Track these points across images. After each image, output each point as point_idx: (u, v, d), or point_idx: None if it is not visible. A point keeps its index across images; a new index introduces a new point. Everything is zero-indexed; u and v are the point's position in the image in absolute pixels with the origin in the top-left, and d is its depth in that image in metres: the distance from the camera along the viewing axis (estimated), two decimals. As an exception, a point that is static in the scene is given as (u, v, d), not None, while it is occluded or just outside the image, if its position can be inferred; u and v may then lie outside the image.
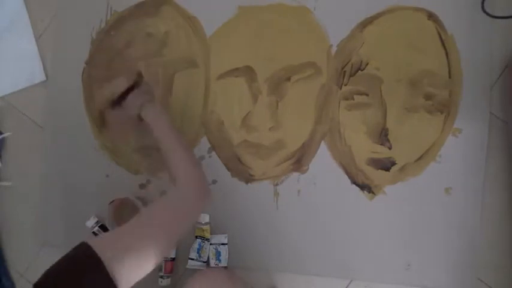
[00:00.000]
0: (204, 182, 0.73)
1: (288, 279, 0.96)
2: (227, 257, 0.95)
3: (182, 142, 0.77)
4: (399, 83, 0.93)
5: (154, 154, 0.99)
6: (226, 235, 0.96)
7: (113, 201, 0.95)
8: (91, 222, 0.97)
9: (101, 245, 0.55)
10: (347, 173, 0.94)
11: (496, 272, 0.91)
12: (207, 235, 0.95)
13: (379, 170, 0.93)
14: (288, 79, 0.96)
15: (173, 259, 0.96)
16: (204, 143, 0.98)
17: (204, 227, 0.95)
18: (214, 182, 0.97)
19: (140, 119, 0.82)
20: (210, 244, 0.96)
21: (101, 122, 0.97)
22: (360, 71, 0.94)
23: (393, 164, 0.93)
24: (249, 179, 0.97)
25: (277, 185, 0.96)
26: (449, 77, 0.92)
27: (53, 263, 0.55)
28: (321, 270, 0.94)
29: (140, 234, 0.60)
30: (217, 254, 0.95)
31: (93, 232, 0.97)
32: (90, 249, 0.54)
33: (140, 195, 0.98)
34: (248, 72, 0.96)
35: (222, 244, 0.95)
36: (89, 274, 0.52)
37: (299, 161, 0.95)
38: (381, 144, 0.93)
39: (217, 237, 0.96)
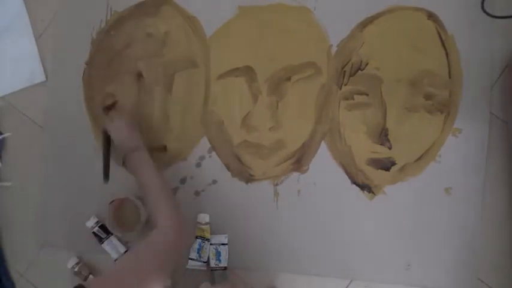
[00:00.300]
0: (182, 223, 0.78)
1: (288, 279, 0.96)
2: (227, 257, 0.95)
3: (163, 188, 0.82)
4: (399, 83, 0.93)
5: (154, 154, 0.99)
6: (226, 235, 0.96)
7: (113, 201, 0.94)
8: (91, 222, 0.97)
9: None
10: (347, 173, 0.94)
11: (496, 272, 0.91)
12: (207, 235, 0.95)
13: (379, 170, 0.93)
14: (288, 79, 0.96)
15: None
16: (204, 143, 0.98)
17: (204, 227, 0.95)
18: (214, 182, 0.97)
19: (125, 165, 0.87)
20: (210, 244, 0.96)
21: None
22: (360, 71, 0.94)
23: (393, 164, 0.93)
24: (249, 179, 0.97)
25: (277, 185, 0.96)
26: (449, 77, 0.92)
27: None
28: (321, 270, 0.94)
29: (133, 279, 0.64)
30: (217, 254, 0.95)
31: (93, 232, 0.97)
32: None
33: (140, 195, 0.98)
34: (248, 72, 0.96)
35: (222, 244, 0.95)
36: None
37: (299, 161, 0.95)
38: (381, 144, 0.93)
39: (217, 237, 0.96)
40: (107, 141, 0.92)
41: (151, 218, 0.80)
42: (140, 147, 0.86)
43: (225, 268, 0.95)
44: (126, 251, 0.98)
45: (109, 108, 0.97)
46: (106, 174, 0.91)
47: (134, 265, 0.67)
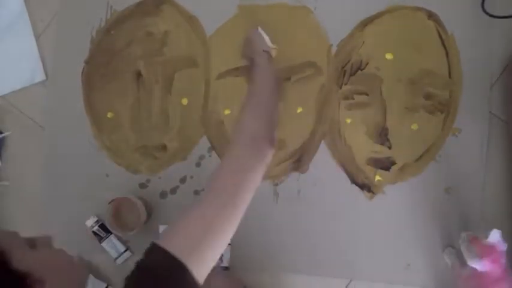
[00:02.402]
0: (265, 137, 0.67)
1: (288, 279, 0.96)
2: (229, 257, 0.95)
3: (272, 101, 0.74)
4: (399, 83, 0.93)
5: (154, 153, 0.99)
6: (229, 235, 0.96)
7: (112, 200, 0.94)
8: (91, 222, 0.97)
9: (178, 247, 0.50)
10: (347, 172, 0.94)
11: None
12: None
13: (379, 170, 0.93)
14: (288, 79, 0.96)
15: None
16: (204, 143, 0.98)
17: None
18: (214, 181, 0.97)
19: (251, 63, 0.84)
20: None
21: None
22: (360, 71, 0.94)
23: (393, 163, 0.93)
24: (249, 178, 0.96)
25: (277, 184, 0.96)
26: (449, 76, 0.92)
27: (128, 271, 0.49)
28: (321, 270, 0.94)
29: (208, 221, 0.56)
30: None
31: (93, 231, 0.97)
32: (169, 254, 0.49)
33: (140, 195, 0.98)
34: (248, 71, 0.96)
35: (225, 244, 0.95)
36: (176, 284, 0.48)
37: (299, 160, 0.95)
38: (381, 144, 0.93)
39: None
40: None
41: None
42: (266, 62, 0.83)
43: (227, 268, 0.95)
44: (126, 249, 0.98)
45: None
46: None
47: (206, 215, 0.57)
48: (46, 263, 0.46)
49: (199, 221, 0.56)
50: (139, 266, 0.49)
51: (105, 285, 0.97)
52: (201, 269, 0.51)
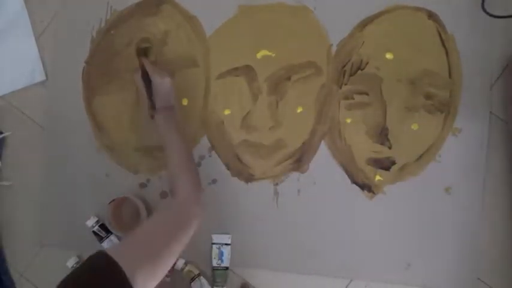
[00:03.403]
0: (201, 195, 0.77)
1: (288, 278, 0.96)
2: (229, 257, 0.95)
3: (187, 155, 0.81)
4: (399, 83, 0.93)
5: (154, 153, 0.99)
6: (229, 235, 0.96)
7: (112, 200, 0.94)
8: (91, 222, 0.97)
9: (119, 254, 0.54)
10: (347, 172, 0.94)
11: (496, 272, 0.91)
12: None
13: (379, 170, 0.93)
14: (288, 78, 0.96)
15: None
16: (204, 143, 0.98)
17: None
18: (214, 181, 0.97)
19: (152, 116, 0.86)
20: (213, 244, 0.95)
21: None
22: (360, 71, 0.94)
23: (393, 163, 0.93)
24: (249, 178, 0.97)
25: (277, 184, 0.96)
26: (449, 76, 0.92)
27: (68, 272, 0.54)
28: (321, 270, 0.94)
29: (152, 243, 0.61)
30: (220, 254, 0.95)
31: (93, 232, 0.97)
32: (110, 258, 0.53)
33: (140, 195, 0.98)
34: (248, 71, 0.96)
35: (226, 244, 0.95)
36: (111, 285, 0.51)
37: (299, 160, 0.95)
38: (381, 144, 0.93)
39: (220, 237, 0.96)
40: (148, 81, 0.88)
41: (170, 187, 0.79)
42: (174, 109, 0.87)
43: (227, 268, 0.95)
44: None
45: (143, 51, 0.98)
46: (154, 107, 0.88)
47: (156, 228, 0.66)
48: None
49: (147, 240, 0.62)
50: (80, 266, 0.54)
51: None
52: (141, 282, 0.54)
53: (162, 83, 0.85)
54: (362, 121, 0.94)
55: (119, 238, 0.98)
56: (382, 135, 0.93)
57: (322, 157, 0.95)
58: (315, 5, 0.96)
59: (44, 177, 1.03)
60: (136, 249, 0.59)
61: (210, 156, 0.98)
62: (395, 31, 0.94)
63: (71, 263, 0.98)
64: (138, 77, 0.89)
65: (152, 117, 0.86)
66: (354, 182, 0.94)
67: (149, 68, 0.87)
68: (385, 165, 0.93)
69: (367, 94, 0.94)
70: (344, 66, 0.95)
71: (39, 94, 1.04)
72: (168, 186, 0.81)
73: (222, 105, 0.98)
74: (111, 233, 0.98)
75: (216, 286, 0.95)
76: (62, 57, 1.03)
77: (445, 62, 0.93)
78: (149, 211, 0.97)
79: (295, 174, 0.96)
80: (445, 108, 0.92)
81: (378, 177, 0.93)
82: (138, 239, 0.62)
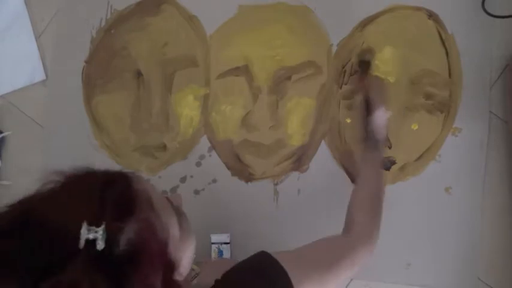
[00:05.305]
0: (373, 239, 0.71)
1: (288, 278, 0.95)
2: (229, 256, 0.95)
3: (380, 198, 0.77)
4: (399, 83, 0.93)
5: (154, 153, 0.99)
6: (228, 234, 0.96)
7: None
8: (91, 222, 0.97)
9: (284, 258, 0.55)
10: (347, 172, 0.94)
11: (496, 272, 0.91)
12: None
13: (379, 170, 0.93)
14: (288, 78, 0.96)
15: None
16: (204, 143, 0.98)
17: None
18: (214, 181, 0.97)
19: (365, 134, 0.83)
20: (212, 243, 0.96)
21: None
22: (360, 71, 0.94)
23: (393, 163, 0.93)
24: (249, 178, 0.97)
25: (277, 184, 0.96)
26: (449, 76, 0.92)
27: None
28: (321, 270, 0.94)
29: (320, 262, 0.60)
30: (220, 253, 0.95)
31: (93, 231, 0.97)
32: (274, 260, 0.54)
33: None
34: (248, 71, 0.96)
35: (225, 243, 0.95)
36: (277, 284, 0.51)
37: (299, 160, 0.95)
38: (381, 144, 0.93)
39: (219, 237, 0.96)
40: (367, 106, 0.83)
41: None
42: (382, 145, 0.83)
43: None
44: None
45: (366, 65, 0.90)
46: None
47: (328, 247, 0.65)
48: None
49: (313, 255, 0.62)
50: (244, 263, 0.54)
51: None
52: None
53: (384, 115, 0.83)
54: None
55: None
56: (382, 135, 0.93)
57: (322, 157, 0.95)
58: (315, 5, 0.96)
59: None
60: (305, 263, 0.58)
61: (210, 155, 0.98)
62: (396, 31, 0.94)
63: (71, 262, 0.97)
64: (361, 100, 0.85)
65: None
66: (354, 181, 0.94)
67: (378, 93, 0.84)
68: (385, 165, 0.93)
69: (367, 94, 0.94)
70: (344, 66, 0.95)
71: (39, 94, 1.04)
72: (346, 215, 0.78)
73: (222, 105, 0.98)
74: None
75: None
76: (62, 57, 1.03)
77: (445, 62, 0.93)
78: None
79: (295, 174, 0.96)
80: (445, 108, 0.92)
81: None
82: (308, 253, 0.61)
